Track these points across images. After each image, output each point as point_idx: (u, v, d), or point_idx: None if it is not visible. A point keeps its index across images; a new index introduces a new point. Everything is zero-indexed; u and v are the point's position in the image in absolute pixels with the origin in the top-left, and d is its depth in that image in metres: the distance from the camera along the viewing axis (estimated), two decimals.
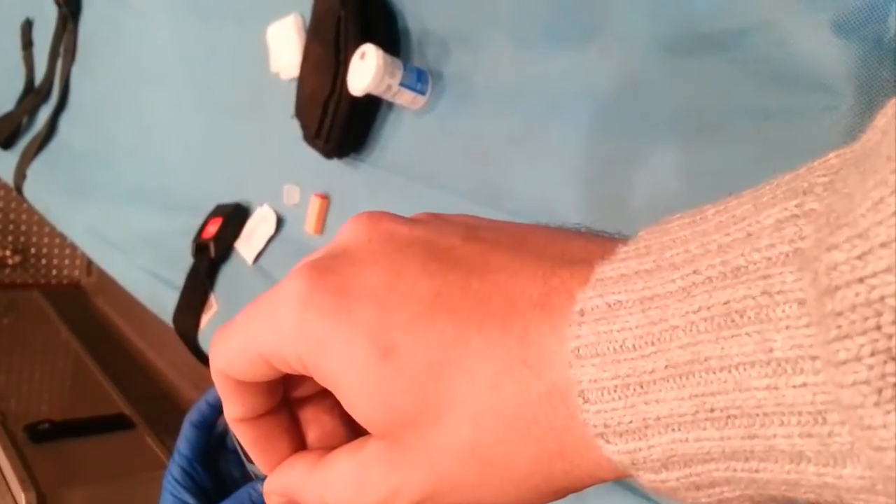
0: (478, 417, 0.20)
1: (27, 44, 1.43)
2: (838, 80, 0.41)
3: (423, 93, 0.68)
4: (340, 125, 0.72)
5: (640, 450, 0.18)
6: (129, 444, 1.73)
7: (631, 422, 0.18)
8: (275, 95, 0.84)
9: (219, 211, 0.91)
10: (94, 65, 1.26)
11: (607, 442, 0.18)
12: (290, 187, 0.83)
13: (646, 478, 0.18)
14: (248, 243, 0.87)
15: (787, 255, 0.15)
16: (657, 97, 0.50)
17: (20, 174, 1.34)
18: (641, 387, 0.17)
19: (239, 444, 0.61)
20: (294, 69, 0.79)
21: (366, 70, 0.65)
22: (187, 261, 0.93)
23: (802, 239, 0.15)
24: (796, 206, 0.16)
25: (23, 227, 2.57)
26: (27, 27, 1.43)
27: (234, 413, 0.24)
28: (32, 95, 1.38)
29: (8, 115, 1.40)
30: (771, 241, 0.16)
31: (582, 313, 0.19)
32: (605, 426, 0.18)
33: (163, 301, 0.97)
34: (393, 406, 0.20)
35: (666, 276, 0.18)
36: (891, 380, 0.13)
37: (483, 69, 0.63)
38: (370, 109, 0.73)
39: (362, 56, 0.65)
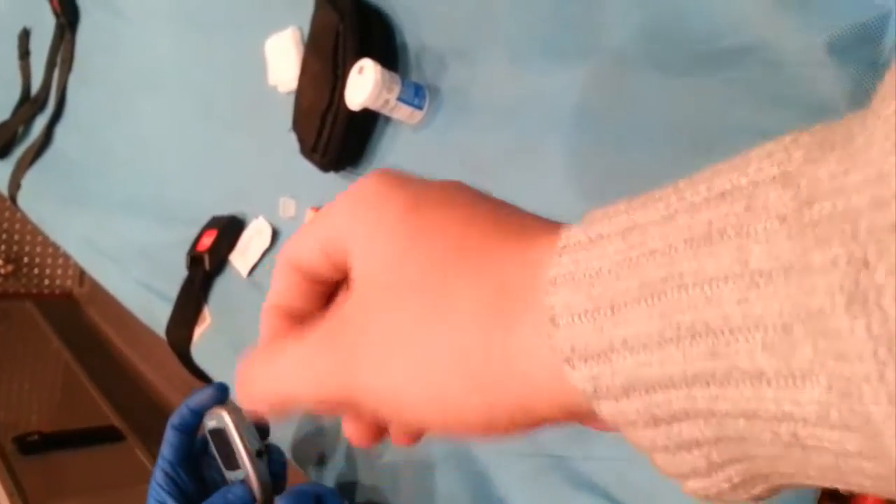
0: (446, 321, 0.20)
1: (24, 53, 1.43)
2: (833, 100, 0.42)
3: (420, 107, 0.68)
4: (338, 139, 0.72)
5: (603, 375, 0.17)
6: (119, 457, 1.72)
7: (597, 344, 0.17)
8: (272, 108, 0.84)
9: (214, 223, 0.91)
10: (91, 75, 1.26)
11: (573, 368, 0.18)
12: (286, 200, 0.83)
13: (606, 408, 0.18)
14: (243, 256, 0.87)
15: (774, 178, 0.15)
16: (653, 114, 0.50)
17: (14, 184, 1.34)
18: (612, 310, 0.17)
19: (217, 451, 0.62)
20: (292, 82, 0.79)
21: (364, 85, 0.65)
22: (181, 273, 0.92)
23: (791, 162, 0.15)
24: (791, 139, 0.16)
25: (15, 237, 2.56)
26: (24, 36, 1.43)
27: (273, 297, 0.26)
28: (29, 105, 1.37)
29: (3, 125, 1.39)
30: (759, 166, 0.16)
31: (564, 247, 0.19)
32: (572, 350, 0.18)
33: (156, 313, 0.96)
34: (398, 271, 0.21)
35: (650, 207, 0.18)
36: (863, 286, 0.13)
37: (480, 84, 0.63)
38: (367, 123, 0.73)
39: (360, 70, 0.66)
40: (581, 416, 0.20)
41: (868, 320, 0.13)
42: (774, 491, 0.18)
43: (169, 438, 0.63)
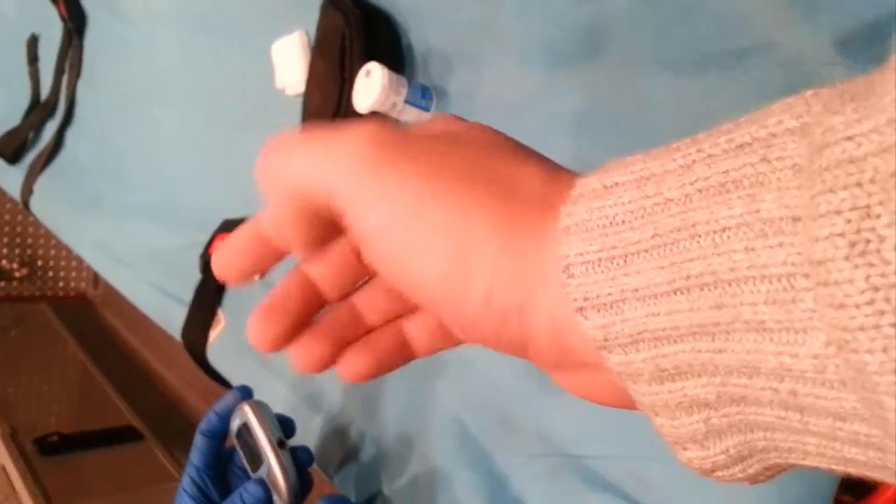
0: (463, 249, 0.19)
1: (33, 59, 1.44)
2: None
3: (427, 109, 0.68)
4: None
5: (613, 324, 0.18)
6: (138, 457, 1.74)
7: (609, 294, 0.17)
8: (280, 111, 0.85)
9: (226, 226, 0.91)
10: (99, 79, 1.27)
11: (585, 318, 0.18)
12: None
13: (614, 359, 0.18)
14: None
15: (793, 130, 0.15)
16: (661, 116, 0.50)
17: (27, 189, 1.35)
18: (625, 259, 0.17)
19: (243, 452, 0.62)
20: (299, 85, 0.79)
21: (371, 88, 0.65)
22: (195, 276, 0.93)
23: (810, 114, 0.15)
24: (812, 94, 0.16)
25: (29, 240, 2.58)
26: (33, 42, 1.44)
27: (270, 212, 0.24)
28: (38, 110, 1.38)
29: (14, 130, 1.40)
30: (779, 119, 0.16)
31: (579, 196, 0.19)
32: (585, 299, 0.18)
33: (170, 316, 0.97)
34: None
35: (667, 157, 0.18)
36: (865, 235, 0.13)
37: (487, 87, 0.64)
38: None
39: (367, 74, 0.66)
40: (564, 356, 0.20)
41: (868, 269, 0.13)
42: (770, 472, 0.18)
43: (197, 444, 0.64)
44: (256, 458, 0.61)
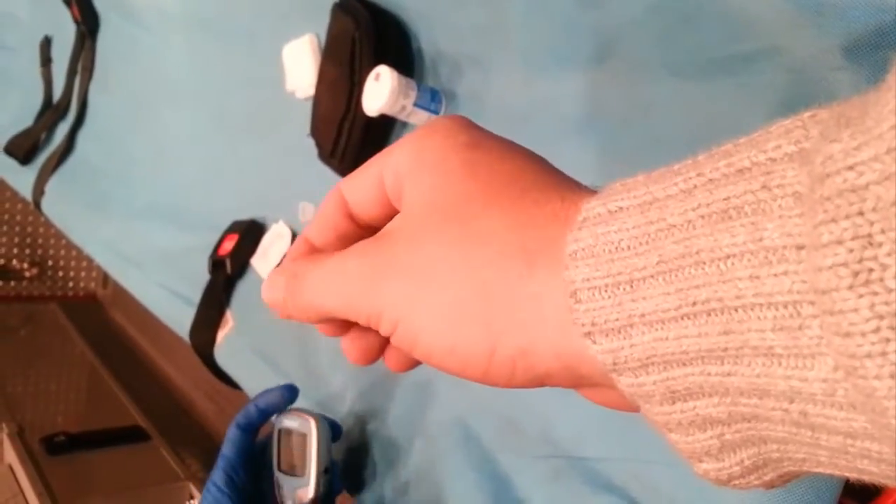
0: (465, 272, 0.21)
1: (45, 60, 1.45)
2: None
3: (436, 112, 0.69)
4: (355, 145, 0.73)
5: (622, 348, 0.18)
6: (145, 456, 1.74)
7: (617, 319, 0.18)
8: (290, 114, 0.85)
9: (235, 227, 0.92)
10: (111, 82, 1.28)
11: (593, 342, 0.18)
12: (306, 205, 0.84)
13: (625, 382, 0.19)
14: (264, 260, 0.88)
15: (791, 155, 0.15)
16: (667, 120, 0.50)
17: (39, 190, 1.36)
18: (631, 285, 0.18)
19: (278, 449, 0.62)
20: (309, 88, 0.80)
21: (380, 91, 0.66)
22: (203, 277, 0.94)
23: (808, 139, 0.15)
24: (809, 116, 0.16)
25: (39, 240, 2.60)
26: (46, 44, 1.46)
27: (311, 229, 0.27)
28: (51, 112, 1.40)
29: (27, 132, 1.42)
30: (777, 143, 0.16)
31: (584, 220, 0.19)
32: (593, 324, 0.18)
33: (179, 317, 0.98)
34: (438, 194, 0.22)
35: (669, 181, 0.18)
36: (868, 264, 0.13)
37: (495, 90, 0.64)
38: (384, 129, 0.74)
39: (377, 77, 0.66)
40: (581, 380, 0.20)
41: (872, 298, 0.13)
42: (786, 478, 0.19)
43: (231, 437, 0.64)
44: (294, 467, 0.61)
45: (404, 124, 0.73)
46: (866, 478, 0.16)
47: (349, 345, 0.26)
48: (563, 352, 0.19)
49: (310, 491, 0.59)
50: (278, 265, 0.26)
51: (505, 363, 0.20)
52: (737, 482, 0.19)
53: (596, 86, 0.55)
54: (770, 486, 0.19)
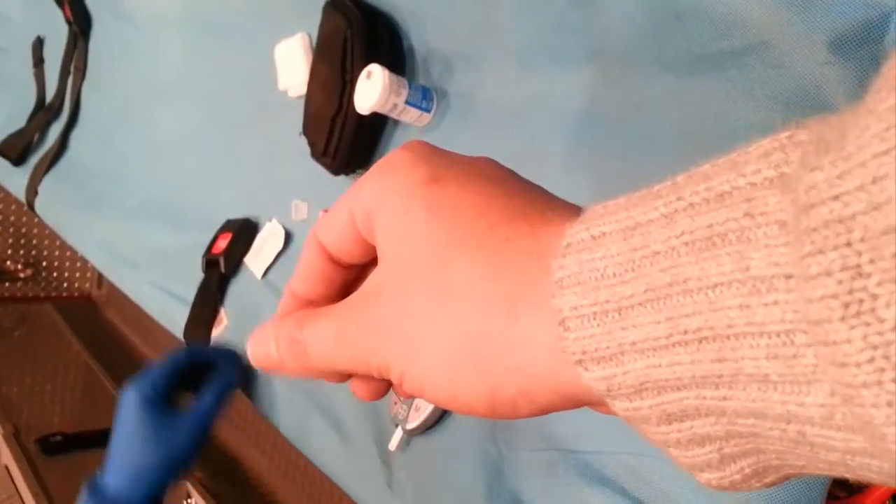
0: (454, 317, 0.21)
1: (38, 61, 1.45)
2: (836, 99, 0.42)
3: (427, 110, 0.69)
4: (347, 143, 0.73)
5: (615, 375, 0.18)
6: None
7: (608, 347, 0.18)
8: (283, 113, 0.86)
9: (228, 226, 0.92)
10: (104, 82, 1.28)
11: (585, 370, 0.18)
12: (299, 203, 0.84)
13: (620, 406, 0.19)
14: (258, 258, 0.88)
15: (772, 180, 0.15)
16: (658, 116, 0.50)
17: (32, 191, 1.36)
18: (619, 313, 0.18)
19: None
20: (301, 87, 0.80)
21: (372, 89, 0.66)
22: (197, 276, 0.94)
23: (788, 164, 0.15)
24: (787, 137, 0.16)
25: (34, 241, 2.59)
26: (38, 45, 1.45)
27: (295, 281, 0.27)
28: (43, 112, 1.39)
29: (19, 132, 1.41)
30: (757, 167, 0.16)
31: (568, 246, 0.19)
32: (584, 353, 0.18)
33: (173, 315, 0.98)
34: (415, 251, 0.22)
35: (649, 205, 0.18)
36: (858, 295, 0.13)
37: (487, 88, 0.64)
38: (376, 127, 0.74)
39: (368, 76, 0.67)
40: (587, 404, 0.21)
41: (865, 329, 0.13)
42: (786, 479, 0.19)
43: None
44: None
45: (396, 122, 0.73)
46: (865, 481, 0.16)
47: (358, 387, 0.26)
48: (559, 387, 0.20)
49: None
50: (261, 325, 0.26)
51: (507, 402, 0.21)
52: (739, 487, 0.19)
53: (587, 83, 0.55)
54: (771, 486, 0.19)
